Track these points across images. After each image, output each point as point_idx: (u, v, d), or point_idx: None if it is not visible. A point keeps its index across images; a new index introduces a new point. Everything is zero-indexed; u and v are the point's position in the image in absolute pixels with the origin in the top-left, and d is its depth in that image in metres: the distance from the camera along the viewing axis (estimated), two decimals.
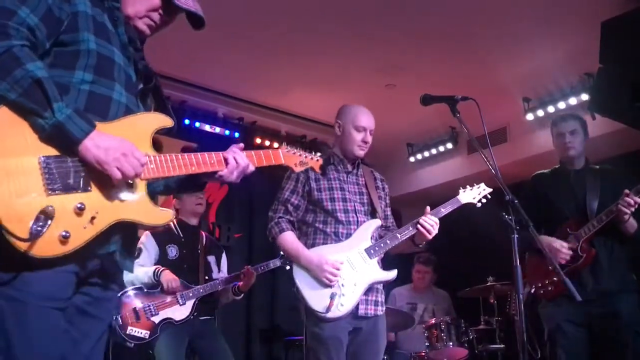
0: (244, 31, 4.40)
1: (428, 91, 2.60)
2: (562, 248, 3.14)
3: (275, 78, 5.08)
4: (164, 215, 1.66)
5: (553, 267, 2.36)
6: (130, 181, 1.58)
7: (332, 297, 2.62)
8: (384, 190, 3.08)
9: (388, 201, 3.10)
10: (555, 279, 3.19)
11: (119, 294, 1.87)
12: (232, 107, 5.61)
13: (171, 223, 4.01)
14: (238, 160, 1.80)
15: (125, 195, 1.57)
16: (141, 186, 1.62)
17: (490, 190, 3.03)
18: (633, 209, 3.01)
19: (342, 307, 2.63)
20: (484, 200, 3.02)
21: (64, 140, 1.47)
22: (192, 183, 1.86)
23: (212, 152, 1.78)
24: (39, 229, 1.39)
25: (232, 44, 4.59)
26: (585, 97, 4.96)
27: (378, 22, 4.30)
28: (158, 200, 1.86)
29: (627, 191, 3.02)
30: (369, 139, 2.94)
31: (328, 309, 2.60)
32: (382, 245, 2.79)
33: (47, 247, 1.42)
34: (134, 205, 1.59)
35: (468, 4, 4.08)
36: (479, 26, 4.34)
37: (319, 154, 2.13)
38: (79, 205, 1.47)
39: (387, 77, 5.07)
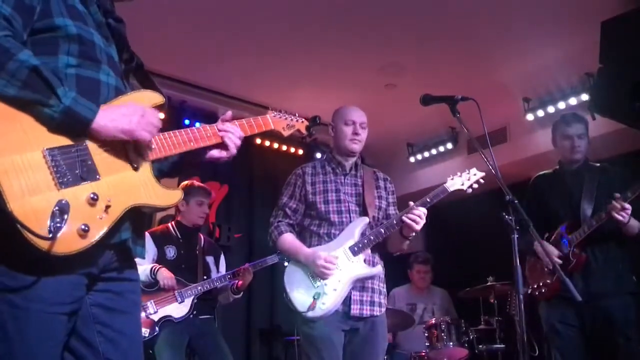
0: (244, 31, 4.40)
1: (428, 91, 2.60)
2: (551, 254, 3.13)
3: (275, 78, 5.08)
4: (174, 195, 1.62)
5: (554, 268, 2.36)
6: (135, 165, 1.54)
7: (315, 297, 2.66)
8: (386, 190, 3.05)
9: (392, 200, 3.06)
10: (548, 280, 3.21)
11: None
12: (232, 107, 5.59)
13: (169, 225, 4.03)
14: (235, 143, 1.79)
15: (133, 179, 1.53)
16: (146, 168, 1.58)
17: (483, 174, 2.86)
18: (626, 214, 2.99)
19: (323, 306, 2.65)
20: (475, 186, 2.86)
21: (74, 125, 1.41)
22: (186, 164, 1.82)
23: (206, 125, 1.76)
24: (58, 225, 1.33)
25: (232, 44, 4.58)
26: (585, 97, 4.95)
27: (378, 22, 4.30)
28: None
29: (617, 195, 3.01)
30: (360, 131, 2.95)
31: (309, 308, 2.64)
32: (365, 241, 2.78)
33: (67, 243, 1.36)
34: (144, 188, 1.55)
35: (468, 4, 4.08)
36: (479, 26, 4.34)
37: (302, 119, 2.16)
38: (92, 196, 1.41)
39: (387, 77, 5.07)
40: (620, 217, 2.99)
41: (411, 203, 2.79)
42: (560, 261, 3.09)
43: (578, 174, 3.33)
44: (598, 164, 3.38)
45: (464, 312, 5.10)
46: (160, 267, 3.67)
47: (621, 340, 3.01)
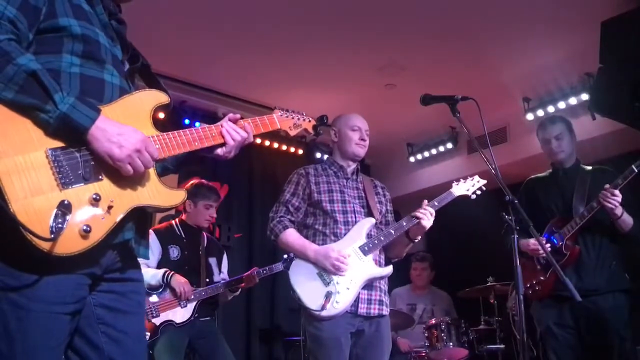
0: (244, 31, 4.40)
1: (428, 91, 2.60)
2: (535, 246, 3.12)
3: (275, 78, 5.08)
4: (177, 196, 1.60)
5: (551, 263, 2.36)
6: None
7: (327, 295, 2.63)
8: (385, 197, 3.10)
9: (389, 207, 3.10)
10: (542, 277, 3.19)
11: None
12: (232, 107, 5.60)
13: (173, 223, 3.99)
14: (234, 137, 1.78)
15: (136, 179, 1.51)
16: (150, 169, 1.57)
17: (485, 182, 3.01)
18: (616, 202, 2.96)
19: (337, 305, 2.63)
20: (478, 192, 2.99)
21: (71, 132, 1.40)
22: (189, 160, 1.80)
23: (212, 125, 1.76)
24: (60, 226, 1.33)
25: (232, 44, 4.58)
26: (585, 97, 4.96)
27: (378, 22, 4.30)
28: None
29: (606, 185, 3.00)
30: (366, 137, 3.02)
31: (323, 307, 2.61)
32: (376, 242, 2.79)
33: (69, 244, 1.35)
34: (147, 188, 1.54)
35: (468, 3, 4.08)
36: (479, 26, 4.34)
37: (310, 117, 2.11)
38: (94, 196, 1.41)
39: (387, 77, 5.07)
40: (610, 205, 2.96)
41: (425, 201, 2.84)
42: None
43: (570, 175, 3.33)
44: (590, 167, 3.38)
45: (464, 312, 5.10)
46: (173, 274, 3.62)
47: (616, 341, 3.00)
